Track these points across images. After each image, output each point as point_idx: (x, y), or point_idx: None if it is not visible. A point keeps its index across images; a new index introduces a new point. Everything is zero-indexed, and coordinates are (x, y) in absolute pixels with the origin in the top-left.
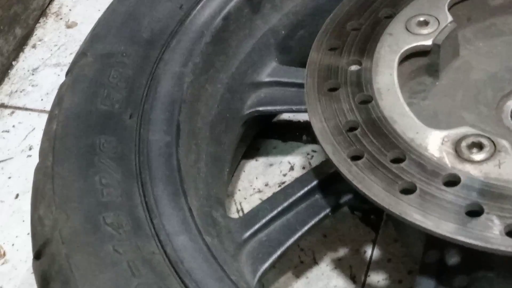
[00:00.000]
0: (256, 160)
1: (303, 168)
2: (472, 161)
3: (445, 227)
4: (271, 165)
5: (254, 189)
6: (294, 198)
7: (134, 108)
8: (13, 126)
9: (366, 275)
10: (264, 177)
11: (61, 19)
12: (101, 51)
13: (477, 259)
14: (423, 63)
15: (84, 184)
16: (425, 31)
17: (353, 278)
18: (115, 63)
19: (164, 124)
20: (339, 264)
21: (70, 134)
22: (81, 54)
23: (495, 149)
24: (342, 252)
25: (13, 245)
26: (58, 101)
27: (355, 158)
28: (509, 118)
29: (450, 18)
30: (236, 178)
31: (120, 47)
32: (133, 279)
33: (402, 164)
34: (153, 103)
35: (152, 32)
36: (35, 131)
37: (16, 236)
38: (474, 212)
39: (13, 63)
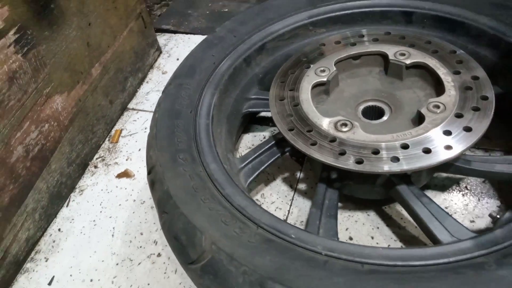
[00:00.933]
0: (248, 134)
1: (269, 137)
2: (342, 131)
3: (329, 160)
4: (255, 136)
5: (247, 146)
6: (263, 149)
7: (192, 108)
8: (138, 118)
9: (296, 184)
10: (251, 141)
11: (159, 69)
12: (177, 82)
13: (344, 174)
14: (322, 89)
15: (169, 141)
16: (323, 74)
17: (291, 186)
18: (183, 88)
19: (206, 116)
20: (284, 180)
21: (162, 119)
22: (168, 84)
23: (352, 126)
24: (286, 174)
25: (137, 171)
26: (157, 104)
27: (290, 129)
28: (360, 113)
29: (334, 69)
30: (239, 141)
31: (186, 80)
32: (191, 182)
33: (311, 133)
34: (201, 106)
35: (201, 74)
36: (147, 121)
37: (139, 168)
38: (342, 153)
39: (138, 89)
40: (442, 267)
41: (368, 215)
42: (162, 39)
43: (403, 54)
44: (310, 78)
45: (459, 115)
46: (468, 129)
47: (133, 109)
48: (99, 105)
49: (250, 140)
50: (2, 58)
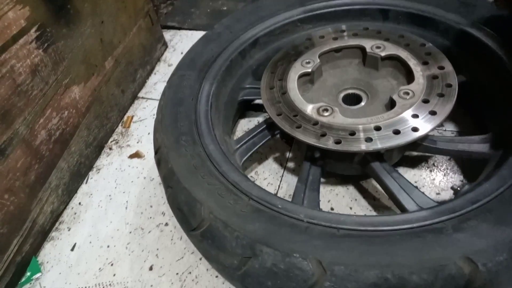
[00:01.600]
0: (244, 119)
1: (262, 121)
2: (323, 116)
3: (312, 140)
4: (250, 121)
5: (243, 130)
6: (256, 132)
7: (193, 96)
8: (147, 106)
9: (286, 163)
10: (247, 125)
11: (165, 62)
12: (180, 73)
13: (325, 153)
14: (307, 78)
15: (173, 125)
16: (308, 65)
17: (281, 164)
18: (185, 79)
19: (205, 103)
20: (275, 159)
21: (167, 106)
22: (172, 75)
23: (333, 111)
24: (277, 154)
25: (147, 152)
26: (162, 93)
27: (279, 114)
28: (341, 100)
29: (318, 61)
30: (236, 126)
31: (188, 72)
32: (192, 160)
33: (297, 117)
34: (201, 94)
35: (201, 66)
36: (155, 108)
37: (149, 149)
38: (323, 134)
39: (147, 80)
40: (406, 232)
41: (347, 188)
42: (168, 35)
43: (379, 47)
44: (296, 69)
45: (425, 101)
46: (433, 113)
47: (142, 97)
48: (112, 94)
49: (246, 124)
50: (25, 53)
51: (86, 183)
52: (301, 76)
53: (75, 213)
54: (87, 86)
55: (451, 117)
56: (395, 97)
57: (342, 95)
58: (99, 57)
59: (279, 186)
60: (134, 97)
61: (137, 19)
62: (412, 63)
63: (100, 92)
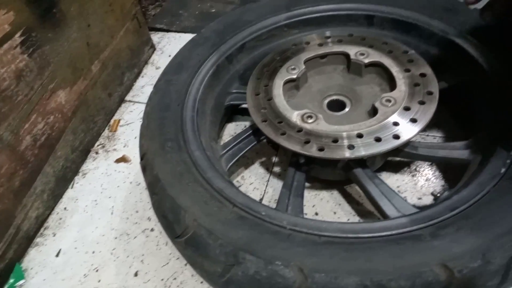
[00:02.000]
0: (231, 123)
1: (248, 127)
2: (308, 123)
3: (296, 147)
4: (237, 125)
5: (230, 134)
6: (242, 137)
7: (180, 102)
8: (134, 109)
9: (272, 168)
10: (234, 130)
11: (153, 65)
12: (166, 78)
13: (310, 159)
14: (293, 84)
15: (158, 131)
16: (294, 72)
17: (267, 169)
18: (172, 84)
19: (191, 108)
20: (262, 163)
21: (153, 112)
22: (158, 80)
23: (317, 118)
24: (263, 159)
25: (134, 156)
26: (148, 99)
27: (264, 121)
28: (325, 107)
29: (303, 67)
30: (223, 130)
31: (174, 77)
32: (177, 167)
33: (281, 124)
34: (187, 99)
35: (187, 71)
36: (143, 112)
37: (135, 153)
38: (307, 141)
39: (134, 83)
40: (385, 239)
41: (332, 193)
42: (156, 37)
43: (362, 54)
44: (282, 75)
45: (407, 108)
46: (414, 121)
47: (130, 101)
48: (99, 98)
49: (233, 129)
50: (9, 58)
51: (71, 188)
52: (287, 82)
53: (61, 218)
54: (74, 90)
55: (435, 123)
56: (377, 104)
57: (326, 101)
58: (85, 61)
59: (265, 191)
60: (121, 100)
61: (125, 21)
62: (395, 70)
63: (87, 96)
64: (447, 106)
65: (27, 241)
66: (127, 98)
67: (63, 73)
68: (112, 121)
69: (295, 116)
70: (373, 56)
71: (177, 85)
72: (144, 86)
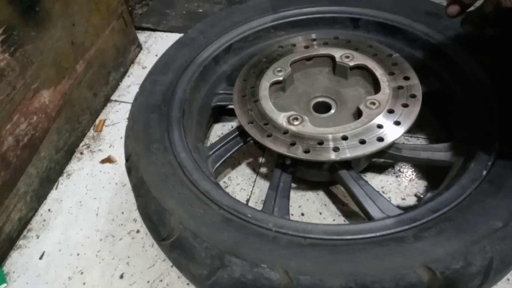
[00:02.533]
0: (218, 124)
1: (234, 128)
2: (293, 125)
3: (282, 149)
4: (224, 126)
5: (217, 135)
6: (228, 138)
7: (166, 103)
8: (120, 109)
9: (259, 168)
10: (221, 130)
11: (139, 65)
12: (152, 79)
13: (296, 161)
14: (279, 86)
15: (144, 132)
16: (280, 73)
17: (254, 169)
18: (158, 84)
19: (177, 109)
20: (249, 164)
21: (138, 113)
22: (144, 81)
23: (302, 120)
24: (250, 159)
25: (119, 157)
26: (134, 99)
27: (250, 122)
28: (311, 108)
29: (289, 69)
30: (210, 130)
31: (161, 77)
32: (163, 169)
33: (267, 126)
34: (173, 100)
35: (174, 72)
36: (128, 111)
37: (121, 154)
38: (293, 143)
39: (120, 82)
40: (369, 240)
41: (317, 194)
42: (142, 36)
43: (348, 57)
44: (268, 77)
45: (391, 111)
46: (397, 123)
47: (115, 100)
48: (84, 97)
49: (220, 129)
50: None
51: (56, 189)
52: (273, 84)
53: (44, 220)
54: (58, 90)
55: (419, 125)
56: (361, 107)
57: (312, 103)
58: (70, 60)
59: (251, 191)
60: (107, 100)
61: (110, 20)
62: (379, 73)
63: (71, 96)
64: (431, 109)
65: (9, 243)
66: (113, 97)
67: (47, 72)
68: (97, 121)
69: (281, 118)
70: (358, 59)
71: (163, 86)
72: (130, 86)
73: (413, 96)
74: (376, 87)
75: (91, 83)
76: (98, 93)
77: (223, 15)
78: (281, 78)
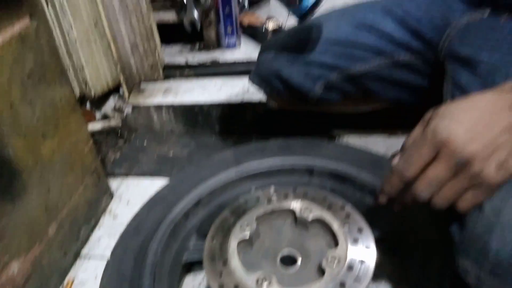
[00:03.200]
0: (190, 274)
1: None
2: (262, 287)
3: None
4: (195, 276)
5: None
6: None
7: (136, 269)
8: (89, 266)
9: None
10: (191, 283)
11: (110, 214)
12: (123, 245)
13: None
14: (247, 242)
15: None
16: (247, 230)
17: None
18: (128, 250)
19: (149, 275)
20: None
21: (109, 284)
22: (115, 247)
23: (271, 281)
24: None
25: None
26: (104, 268)
27: (221, 286)
28: (278, 262)
29: (255, 224)
30: (182, 282)
31: (131, 242)
32: None
33: None
34: (145, 266)
35: (144, 233)
36: (98, 268)
37: None
38: None
39: (90, 235)
40: None
41: None
42: (114, 183)
43: (306, 210)
44: (236, 235)
45: (350, 267)
46: (358, 279)
47: (85, 256)
48: (54, 259)
49: (191, 282)
50: None
51: None
52: (241, 241)
53: None
54: (28, 258)
55: (379, 274)
56: (324, 264)
57: (279, 256)
58: (42, 225)
59: None
60: (77, 256)
61: (84, 177)
62: (335, 225)
63: (41, 261)
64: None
65: None
66: (83, 252)
67: (18, 242)
68: (65, 282)
69: (251, 281)
70: (316, 212)
71: (134, 251)
72: (100, 238)
73: (367, 247)
74: (335, 240)
75: (62, 243)
76: (68, 251)
77: (191, 170)
78: (247, 234)
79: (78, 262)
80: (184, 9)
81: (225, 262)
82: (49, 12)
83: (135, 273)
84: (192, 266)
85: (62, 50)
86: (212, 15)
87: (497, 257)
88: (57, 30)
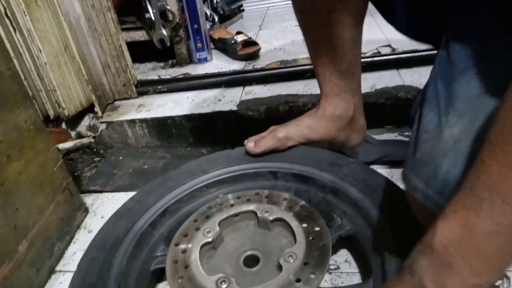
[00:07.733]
0: (161, 283)
1: None
2: None
3: None
4: (167, 284)
5: None
6: None
7: (101, 280)
8: (64, 280)
9: None
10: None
11: (85, 229)
12: (89, 257)
13: None
14: (210, 246)
15: None
16: (209, 234)
17: None
18: (94, 261)
19: (113, 285)
20: None
21: None
22: (81, 259)
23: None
24: None
25: None
26: (71, 281)
27: None
28: (242, 263)
29: (218, 228)
30: None
31: (98, 254)
32: None
33: None
34: (109, 277)
35: (110, 244)
36: None
37: None
38: None
39: (65, 251)
40: None
41: None
42: (89, 199)
43: (267, 211)
44: (198, 240)
45: (306, 263)
46: (313, 273)
47: (60, 271)
48: (26, 276)
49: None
50: None
51: None
52: (203, 245)
53: None
54: None
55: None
56: (281, 260)
57: (242, 258)
58: (11, 244)
59: None
60: (51, 272)
61: (55, 196)
62: (294, 224)
63: (11, 279)
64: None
65: None
66: (58, 268)
67: None
68: None
69: (210, 283)
70: (276, 212)
71: (99, 262)
72: (75, 253)
73: (324, 245)
74: (294, 238)
75: (34, 261)
76: (42, 268)
77: (159, 182)
78: (210, 239)
79: (53, 277)
80: (153, 27)
81: (186, 266)
82: (16, 37)
83: (99, 283)
84: (164, 274)
85: (33, 74)
86: (181, 32)
87: (446, 179)
88: (27, 55)
